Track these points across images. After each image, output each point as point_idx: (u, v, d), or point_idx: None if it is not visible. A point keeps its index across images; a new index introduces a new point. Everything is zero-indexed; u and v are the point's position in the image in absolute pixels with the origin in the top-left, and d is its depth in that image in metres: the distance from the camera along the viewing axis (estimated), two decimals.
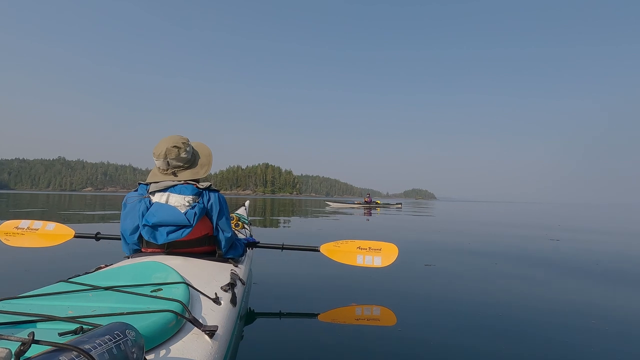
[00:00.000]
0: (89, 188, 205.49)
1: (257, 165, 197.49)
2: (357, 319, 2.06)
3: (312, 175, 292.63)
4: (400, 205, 21.57)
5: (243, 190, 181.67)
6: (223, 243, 1.66)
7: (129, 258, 1.57)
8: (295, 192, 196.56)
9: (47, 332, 0.70)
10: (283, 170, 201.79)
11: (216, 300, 1.16)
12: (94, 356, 0.53)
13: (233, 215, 3.00)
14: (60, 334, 0.67)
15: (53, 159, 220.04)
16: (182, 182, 1.61)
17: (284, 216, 11.51)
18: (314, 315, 2.05)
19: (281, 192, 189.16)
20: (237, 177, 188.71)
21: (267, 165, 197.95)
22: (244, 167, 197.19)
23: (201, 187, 1.61)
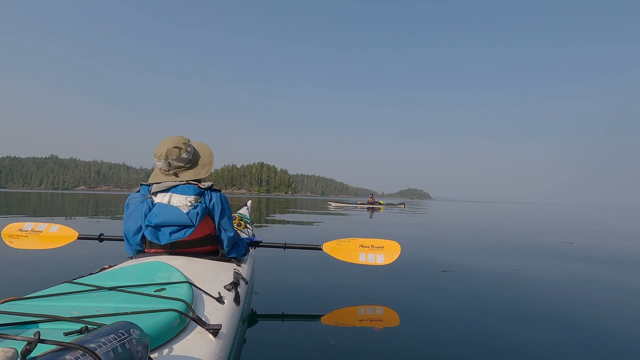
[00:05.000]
0: (82, 187, 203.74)
1: (252, 164, 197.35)
2: (360, 320, 2.06)
3: (308, 175, 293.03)
4: (403, 206, 21.65)
5: (238, 190, 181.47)
6: (225, 242, 1.66)
7: (132, 259, 1.56)
8: (290, 192, 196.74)
9: (53, 332, 0.71)
10: (278, 170, 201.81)
11: (220, 300, 1.16)
12: (99, 355, 0.53)
13: (235, 215, 3.00)
14: (66, 334, 0.68)
15: (45, 157, 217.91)
16: (184, 182, 1.61)
17: (284, 216, 11.46)
18: (317, 315, 2.05)
19: (276, 192, 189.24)
20: (232, 176, 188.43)
21: (262, 165, 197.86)
22: (239, 166, 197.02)
23: (203, 187, 1.62)
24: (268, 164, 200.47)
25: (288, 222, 8.83)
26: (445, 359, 1.56)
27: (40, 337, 0.55)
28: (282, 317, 2.02)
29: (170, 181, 1.60)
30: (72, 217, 8.80)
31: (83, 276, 1.17)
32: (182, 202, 1.54)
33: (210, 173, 1.76)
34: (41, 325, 0.75)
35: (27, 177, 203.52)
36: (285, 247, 2.30)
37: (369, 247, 2.27)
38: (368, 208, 19.22)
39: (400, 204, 22.58)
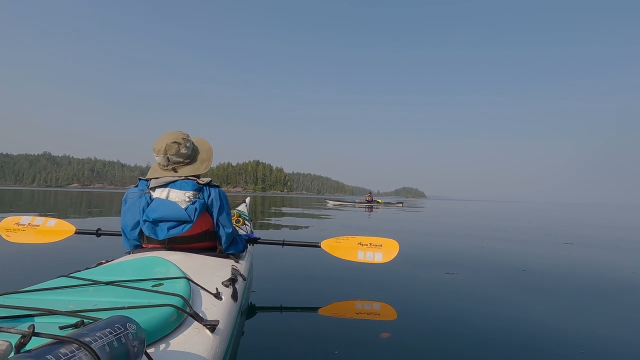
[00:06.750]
0: (75, 184, 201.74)
1: (247, 162, 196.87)
2: (358, 313, 2.08)
3: (304, 173, 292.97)
4: (401, 205, 21.69)
5: (233, 188, 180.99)
6: (224, 239, 1.65)
7: (129, 253, 1.55)
8: (286, 190, 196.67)
9: (48, 325, 0.70)
10: (274, 168, 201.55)
11: (217, 295, 1.16)
12: (94, 349, 0.53)
13: (234, 211, 3.00)
14: (61, 328, 0.66)
15: (38, 154, 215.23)
16: (183, 177, 1.59)
17: (281, 213, 11.43)
18: (315, 310, 2.07)
19: (272, 190, 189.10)
20: (227, 174, 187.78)
21: (257, 163, 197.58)
22: (234, 164, 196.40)
23: (202, 182, 1.61)
24: (263, 162, 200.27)
25: (286, 220, 8.80)
26: (442, 352, 1.57)
27: (35, 331, 0.54)
28: (280, 311, 2.03)
29: (169, 176, 1.59)
30: (68, 215, 8.71)
31: (80, 270, 1.15)
32: (180, 197, 1.53)
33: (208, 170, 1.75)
34: (36, 319, 0.74)
35: (19, 174, 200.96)
36: (283, 244, 2.29)
37: (367, 245, 2.27)
38: (366, 207, 19.18)
39: (398, 202, 22.65)
